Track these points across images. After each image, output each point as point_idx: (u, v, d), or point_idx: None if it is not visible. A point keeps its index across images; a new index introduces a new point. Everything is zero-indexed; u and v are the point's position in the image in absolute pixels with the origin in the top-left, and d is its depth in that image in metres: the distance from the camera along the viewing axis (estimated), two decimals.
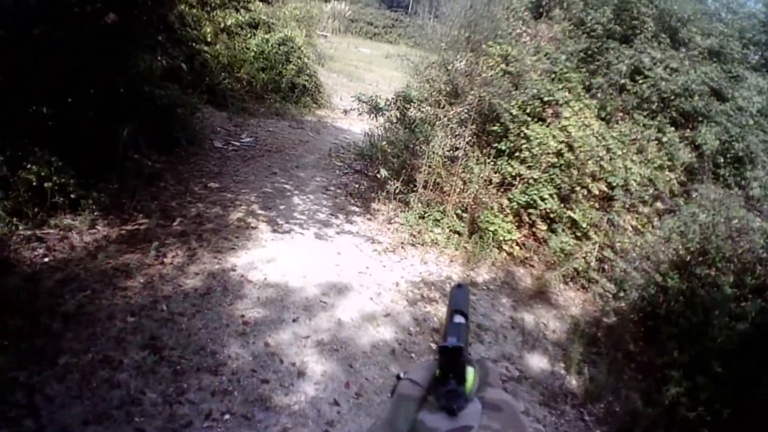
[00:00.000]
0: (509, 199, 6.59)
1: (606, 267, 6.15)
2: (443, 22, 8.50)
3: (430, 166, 6.89)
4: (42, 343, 3.63)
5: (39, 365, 3.45)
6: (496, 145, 6.79)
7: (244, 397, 3.61)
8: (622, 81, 6.62)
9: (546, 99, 6.47)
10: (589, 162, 6.14)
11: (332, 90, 15.24)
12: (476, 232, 6.62)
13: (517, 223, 6.68)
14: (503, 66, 6.73)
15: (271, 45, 12.74)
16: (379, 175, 7.38)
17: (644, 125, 6.49)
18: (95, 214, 5.35)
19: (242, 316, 4.49)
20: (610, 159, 6.16)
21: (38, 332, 3.71)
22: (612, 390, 4.63)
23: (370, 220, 7.18)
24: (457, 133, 6.98)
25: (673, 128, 6.55)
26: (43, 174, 4.93)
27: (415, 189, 7.02)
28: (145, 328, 4.03)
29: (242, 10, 11.79)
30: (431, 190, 6.98)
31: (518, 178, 6.58)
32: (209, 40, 11.31)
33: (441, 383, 0.70)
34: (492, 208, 6.57)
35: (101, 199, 5.47)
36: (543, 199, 6.33)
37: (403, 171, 7.31)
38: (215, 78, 11.11)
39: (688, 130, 6.62)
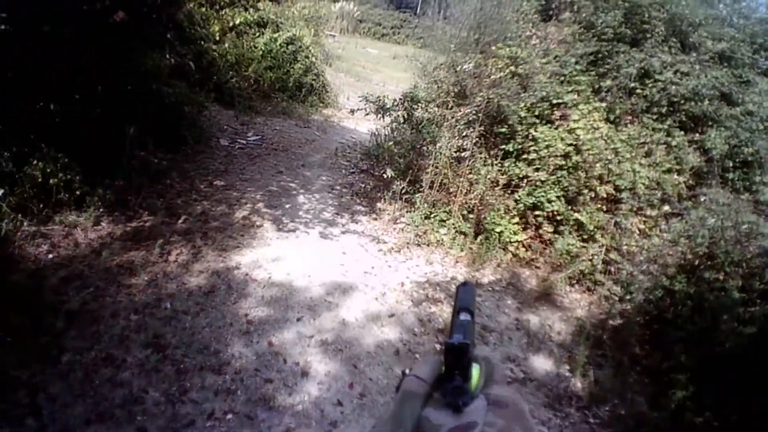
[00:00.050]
0: (516, 201, 6.56)
1: (612, 269, 6.10)
2: (452, 23, 8.47)
3: (436, 167, 6.86)
4: (45, 341, 3.64)
5: (42, 363, 3.45)
6: (503, 146, 6.76)
7: (248, 396, 3.60)
8: (632, 84, 6.57)
9: (554, 101, 6.44)
10: (597, 164, 6.10)
11: (339, 90, 15.23)
12: (482, 233, 6.59)
13: (523, 225, 6.65)
14: (512, 68, 6.69)
15: (279, 44, 12.74)
16: (385, 175, 7.37)
17: (653, 128, 6.44)
18: (100, 211, 5.36)
19: (246, 315, 4.48)
20: (618, 162, 6.12)
21: (41, 330, 3.72)
22: (617, 393, 4.59)
23: (375, 219, 7.16)
24: (464, 134, 6.96)
25: (681, 132, 6.51)
26: (48, 170, 4.95)
27: (421, 189, 6.99)
28: (148, 326, 4.03)
29: (250, 9, 11.80)
30: (437, 191, 6.96)
31: (525, 180, 6.54)
32: (217, 38, 11.34)
33: (446, 380, 0.71)
34: (498, 210, 6.54)
35: (106, 196, 5.48)
36: (550, 201, 6.29)
37: (410, 171, 7.29)
38: (222, 76, 11.12)
39: (697, 134, 6.57)
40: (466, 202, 6.79)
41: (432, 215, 6.88)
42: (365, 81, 18.44)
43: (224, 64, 11.47)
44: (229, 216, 6.22)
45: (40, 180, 4.92)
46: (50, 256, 4.61)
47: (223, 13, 11.64)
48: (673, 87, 6.37)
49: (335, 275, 5.52)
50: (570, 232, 6.29)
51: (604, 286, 5.98)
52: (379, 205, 7.42)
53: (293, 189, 7.64)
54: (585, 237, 6.29)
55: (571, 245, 6.21)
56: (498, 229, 6.43)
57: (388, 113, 7.71)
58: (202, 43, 9.75)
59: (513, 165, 6.63)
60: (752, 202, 6.01)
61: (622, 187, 6.09)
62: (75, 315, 3.96)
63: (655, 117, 6.50)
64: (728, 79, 6.60)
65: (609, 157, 6.11)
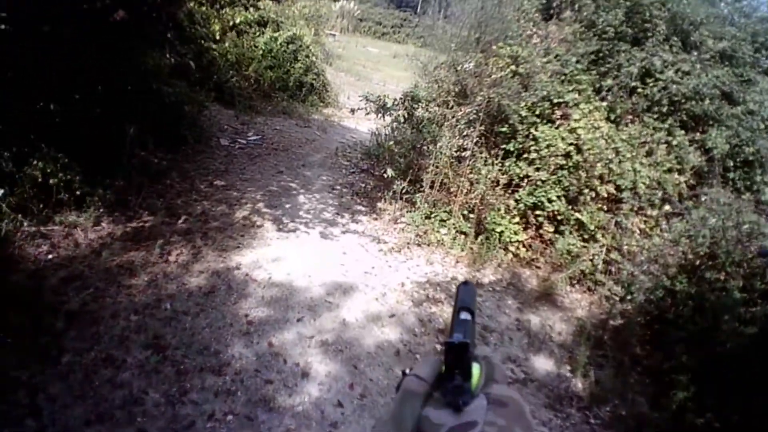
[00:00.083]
0: (516, 201, 6.55)
1: (613, 269, 6.09)
2: (453, 22, 8.46)
3: (437, 167, 6.86)
4: (45, 342, 3.63)
5: (42, 364, 3.45)
6: (504, 146, 6.75)
7: (248, 397, 3.60)
8: (633, 83, 6.55)
9: (555, 101, 6.42)
10: (598, 164, 6.09)
11: (339, 89, 15.23)
12: (482, 233, 6.58)
13: (523, 225, 6.64)
14: (513, 67, 6.68)
15: (279, 43, 12.75)
16: (385, 175, 7.37)
17: (654, 128, 6.43)
18: (100, 211, 5.35)
19: (246, 315, 4.48)
20: (619, 161, 6.10)
21: (41, 330, 3.71)
22: (618, 393, 4.57)
23: (375, 219, 7.16)
24: (464, 133, 6.95)
25: (683, 131, 6.49)
26: (48, 170, 4.94)
27: (421, 189, 6.99)
28: (148, 327, 4.02)
29: (251, 8, 11.79)
30: (438, 191, 6.95)
31: (526, 180, 6.53)
32: (217, 37, 11.33)
33: (446, 379, 0.71)
34: (499, 209, 6.53)
35: (107, 196, 5.48)
36: (550, 201, 6.28)
37: (410, 171, 7.28)
38: (223, 76, 11.12)
39: (698, 134, 6.56)
40: (467, 202, 6.78)
41: (432, 215, 6.87)
42: (365, 80, 18.44)
43: (224, 64, 11.48)
44: (230, 216, 6.21)
45: (40, 180, 4.91)
46: (50, 256, 4.61)
47: (223, 12, 11.63)
48: (675, 86, 6.35)
49: (336, 275, 5.51)
50: (571, 232, 6.28)
51: (604, 286, 5.97)
52: (379, 204, 7.41)
53: (293, 189, 7.64)
54: (586, 237, 6.28)
55: (572, 245, 6.20)
56: (498, 229, 6.42)
57: (388, 113, 7.70)
58: (203, 42, 9.75)
59: (514, 164, 6.62)
60: (753, 201, 6.00)
61: (623, 187, 6.08)
62: (75, 315, 3.96)
63: (656, 116, 6.49)
64: (729, 78, 6.58)
65: (610, 157, 6.10)
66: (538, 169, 6.38)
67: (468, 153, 6.86)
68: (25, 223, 4.76)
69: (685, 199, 6.31)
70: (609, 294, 5.89)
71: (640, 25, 6.83)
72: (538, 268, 6.55)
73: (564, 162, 6.24)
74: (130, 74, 6.29)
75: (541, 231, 6.56)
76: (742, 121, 6.47)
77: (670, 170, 6.33)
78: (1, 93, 4.81)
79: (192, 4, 8.71)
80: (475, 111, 6.79)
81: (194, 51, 9.29)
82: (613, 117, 6.59)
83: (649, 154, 6.35)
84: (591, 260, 6.17)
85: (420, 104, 7.61)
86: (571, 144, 6.21)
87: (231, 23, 12.05)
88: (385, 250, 6.34)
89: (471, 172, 6.77)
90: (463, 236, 6.66)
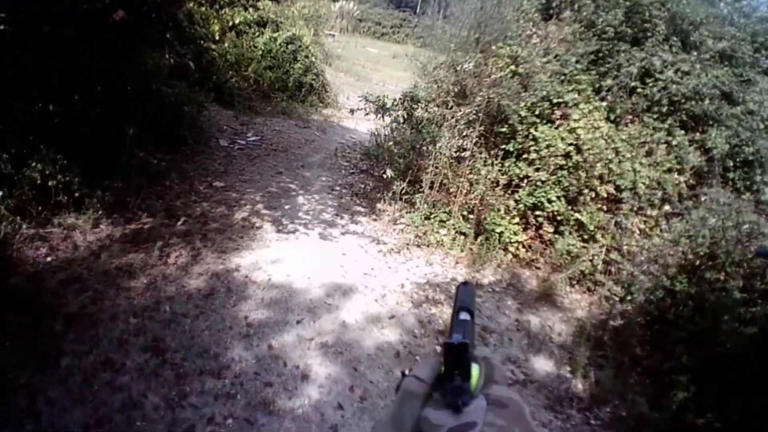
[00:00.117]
0: (516, 201, 6.54)
1: (612, 270, 6.08)
2: (452, 22, 8.45)
3: (436, 167, 6.85)
4: (44, 345, 3.62)
5: (41, 367, 3.44)
6: (503, 146, 6.74)
7: (247, 400, 3.59)
8: (633, 83, 6.54)
9: (555, 101, 6.41)
10: (598, 164, 6.08)
11: (339, 89, 15.22)
12: (482, 233, 6.57)
13: (523, 225, 6.63)
14: (512, 67, 6.67)
15: (279, 44, 12.74)
16: (384, 176, 7.36)
17: (654, 128, 6.42)
18: (99, 212, 5.35)
19: (246, 317, 4.47)
20: (619, 161, 6.10)
21: (40, 333, 3.70)
22: (618, 394, 4.57)
23: (375, 220, 7.15)
24: (464, 133, 6.94)
25: (682, 131, 6.48)
26: (47, 172, 4.94)
27: (421, 190, 6.98)
28: (147, 329, 4.02)
29: (250, 9, 11.78)
30: (437, 191, 6.94)
31: (525, 180, 6.52)
32: (217, 38, 11.32)
33: (446, 380, 0.71)
34: (498, 210, 6.52)
35: (105, 198, 5.47)
36: (550, 201, 6.27)
37: (409, 171, 7.27)
38: (222, 76, 11.11)
39: (697, 134, 6.55)
40: (467, 203, 6.77)
41: (432, 216, 6.86)
42: (365, 80, 18.43)
43: (224, 64, 11.47)
44: (229, 217, 6.21)
45: (38, 182, 4.91)
46: (49, 258, 4.60)
47: (222, 12, 11.61)
48: (674, 86, 6.34)
49: (335, 277, 5.51)
50: (570, 233, 6.28)
51: (604, 287, 5.97)
52: (378, 205, 7.40)
53: (293, 190, 7.63)
54: (585, 237, 6.27)
55: (572, 245, 6.19)
56: (498, 230, 6.41)
57: (387, 113, 7.69)
58: (202, 42, 9.74)
59: (513, 165, 6.61)
60: (753, 201, 5.99)
61: (623, 187, 6.07)
62: (74, 318, 3.95)
63: (655, 116, 6.48)
64: (729, 78, 6.57)
65: (610, 157, 6.09)
66: (537, 170, 6.38)
67: (467, 153, 6.86)
68: (24, 226, 4.75)
69: (685, 199, 6.30)
70: (609, 294, 5.88)
71: (640, 25, 6.82)
72: (538, 268, 6.54)
73: (564, 162, 6.23)
74: (130, 74, 6.29)
75: (540, 231, 6.55)
76: (742, 121, 6.46)
77: (669, 170, 6.32)
78: (0, 93, 4.80)
79: (191, 5, 8.70)
80: (474, 111, 6.78)
81: (194, 51, 9.28)
82: (612, 117, 6.58)
83: (648, 154, 6.34)
84: (591, 260, 6.16)
85: (419, 104, 7.60)
86: (570, 144, 6.20)
87: (230, 23, 12.03)
88: (384, 251, 6.33)
89: (470, 173, 6.76)
90: (462, 237, 6.65)
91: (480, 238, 6.53)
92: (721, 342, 4.37)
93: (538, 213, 6.41)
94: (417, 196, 6.92)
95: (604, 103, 6.59)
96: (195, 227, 5.75)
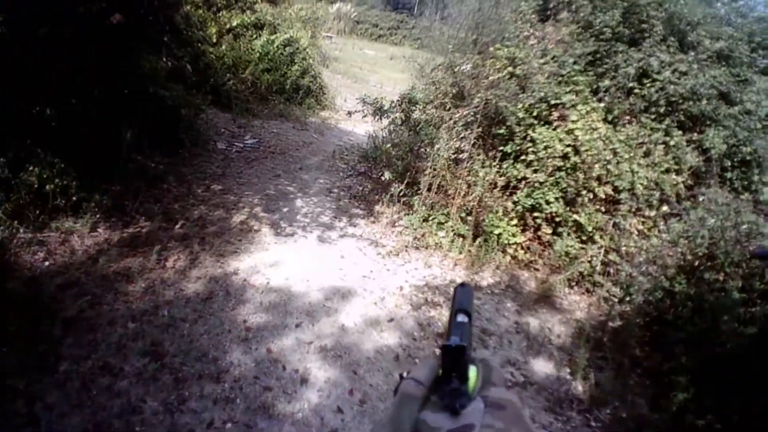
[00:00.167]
0: (514, 203, 6.54)
1: (611, 271, 6.08)
2: (450, 24, 8.45)
3: (434, 169, 6.84)
4: (42, 349, 3.61)
5: (39, 372, 3.42)
6: (501, 148, 6.74)
7: (247, 404, 3.58)
8: (630, 84, 6.53)
9: (553, 102, 6.41)
10: (596, 165, 6.08)
11: (336, 91, 15.24)
12: (480, 235, 6.57)
13: (521, 227, 6.63)
14: (510, 69, 6.67)
15: (276, 46, 12.74)
16: (382, 178, 7.35)
17: (651, 128, 6.41)
18: (97, 216, 5.33)
19: (245, 321, 4.46)
20: (617, 162, 6.09)
21: (38, 338, 3.69)
22: (618, 395, 4.56)
23: (373, 223, 7.15)
24: (462, 135, 6.93)
25: (680, 131, 6.47)
26: (45, 176, 4.92)
27: (419, 192, 6.98)
28: (146, 334, 4.00)
29: (248, 11, 11.79)
30: (435, 193, 6.94)
31: (523, 182, 6.52)
32: (214, 40, 11.33)
33: (444, 382, 0.71)
34: (497, 212, 6.52)
35: (103, 202, 5.45)
36: (548, 203, 6.27)
37: (407, 173, 7.27)
38: (220, 79, 11.11)
39: (695, 134, 6.54)
40: (465, 204, 6.76)
41: (430, 218, 6.86)
42: (362, 82, 18.45)
43: (221, 67, 11.47)
44: (227, 221, 6.20)
45: (36, 186, 4.89)
46: (46, 263, 4.58)
47: (220, 15, 11.65)
48: (672, 86, 6.34)
49: (334, 280, 5.50)
50: (569, 234, 6.27)
51: (603, 288, 5.96)
52: (377, 208, 7.39)
53: (291, 192, 7.62)
54: (584, 238, 6.27)
55: (570, 247, 6.19)
56: (497, 231, 6.41)
57: (385, 115, 7.69)
58: (199, 45, 9.75)
59: (511, 166, 6.61)
60: (752, 201, 5.99)
61: (621, 188, 6.07)
62: (72, 323, 3.93)
63: (653, 117, 6.47)
64: (726, 78, 6.57)
65: (607, 158, 6.09)
66: (535, 171, 6.38)
67: (465, 155, 6.85)
68: (21, 230, 4.73)
69: (683, 199, 6.29)
70: (608, 295, 5.88)
71: (637, 26, 6.82)
72: (537, 270, 6.54)
73: (562, 163, 6.23)
74: (127, 78, 6.27)
75: (539, 233, 6.55)
76: (740, 120, 6.45)
77: (667, 171, 6.32)
78: None
79: (189, 8, 8.72)
80: (472, 113, 6.78)
81: (191, 54, 9.28)
82: (610, 118, 6.57)
83: (646, 154, 6.33)
84: (589, 262, 6.16)
85: (417, 106, 7.60)
86: (568, 145, 6.20)
87: (228, 26, 12.06)
88: (383, 253, 6.32)
89: (468, 175, 6.76)
90: (461, 239, 6.65)
91: (478, 239, 6.53)
92: (721, 342, 4.37)
93: (536, 214, 6.41)
94: (415, 198, 6.92)
95: (602, 104, 6.58)
96: (193, 231, 5.74)
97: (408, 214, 6.97)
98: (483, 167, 6.65)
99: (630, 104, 6.57)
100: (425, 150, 7.13)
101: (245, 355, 4.06)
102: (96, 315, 4.08)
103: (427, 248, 6.59)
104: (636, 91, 6.52)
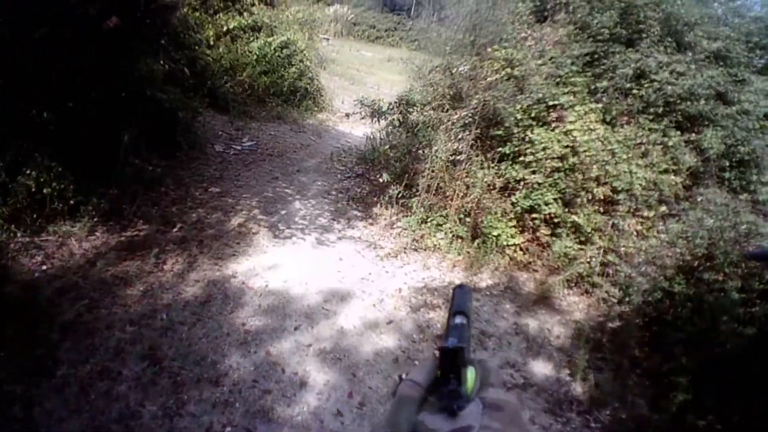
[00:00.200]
0: (512, 204, 6.53)
1: (610, 271, 6.08)
2: (447, 25, 8.44)
3: (432, 170, 6.84)
4: (40, 354, 3.59)
5: (37, 377, 3.41)
6: (499, 149, 6.73)
7: (246, 408, 3.56)
8: (628, 85, 6.54)
9: (550, 103, 6.41)
10: (594, 166, 6.07)
11: (334, 93, 15.22)
12: (479, 236, 6.56)
13: (520, 228, 6.62)
14: (508, 70, 6.66)
15: (273, 48, 12.71)
16: (380, 180, 7.33)
17: (649, 129, 6.41)
18: (94, 220, 5.32)
19: (243, 324, 4.45)
20: (615, 163, 6.09)
21: (36, 343, 3.68)
22: (618, 396, 4.56)
23: (371, 225, 7.14)
24: (460, 137, 6.93)
25: (678, 132, 6.47)
26: (42, 180, 4.91)
27: (417, 193, 6.97)
28: (144, 338, 3.99)
29: (245, 14, 11.78)
30: (433, 195, 6.93)
31: (522, 183, 6.51)
32: (211, 43, 11.30)
33: (442, 384, 0.72)
34: (495, 213, 6.51)
35: (101, 205, 5.44)
36: (547, 204, 6.26)
37: (405, 175, 7.25)
38: (217, 81, 11.09)
39: (693, 134, 6.54)
40: (463, 206, 6.75)
41: (428, 219, 6.85)
42: (360, 84, 18.43)
43: (218, 69, 11.44)
44: (225, 223, 6.18)
45: (33, 189, 4.88)
46: (44, 267, 4.57)
47: (217, 17, 11.63)
48: (669, 87, 6.35)
49: (332, 282, 5.49)
50: (567, 235, 6.27)
51: (602, 289, 5.95)
52: (375, 210, 7.38)
53: (289, 195, 7.61)
54: (582, 239, 6.26)
55: (569, 248, 6.18)
56: (495, 233, 6.40)
57: (383, 117, 7.68)
58: (196, 48, 9.73)
59: (509, 168, 6.61)
60: (750, 202, 5.99)
61: (619, 189, 6.07)
62: (70, 327, 3.92)
63: (651, 117, 6.48)
64: (724, 78, 6.57)
65: (605, 159, 6.09)
66: (533, 172, 6.37)
67: (463, 156, 6.85)
68: (19, 234, 4.73)
69: (681, 199, 6.29)
70: (606, 296, 5.87)
71: (635, 27, 6.83)
72: (535, 271, 6.53)
73: (560, 164, 6.23)
74: (124, 81, 6.25)
75: (537, 234, 6.54)
76: (737, 120, 6.45)
77: (665, 171, 6.32)
78: None
79: (186, 10, 8.70)
80: (470, 114, 6.77)
81: (188, 57, 9.25)
82: (608, 119, 6.57)
83: (644, 155, 6.33)
84: (588, 262, 6.15)
85: (415, 108, 7.59)
86: (566, 146, 6.20)
87: (225, 28, 12.03)
88: (381, 255, 6.31)
89: (466, 176, 6.76)
90: (459, 240, 6.64)
91: (477, 241, 6.52)
92: (721, 343, 4.37)
93: (534, 215, 6.40)
94: (413, 199, 6.91)
95: (600, 105, 6.58)
96: (191, 234, 5.73)
97: (406, 216, 6.95)
98: (481, 168, 6.64)
99: (628, 105, 6.57)
100: (423, 152, 7.12)
101: (244, 358, 4.05)
102: (94, 319, 4.07)
103: (425, 250, 6.58)
104: (633, 91, 6.53)
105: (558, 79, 6.63)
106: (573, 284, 6.30)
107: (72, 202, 5.19)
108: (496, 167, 6.67)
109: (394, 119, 7.67)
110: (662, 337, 4.95)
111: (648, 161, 6.27)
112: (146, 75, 7.04)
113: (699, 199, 5.99)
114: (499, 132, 6.68)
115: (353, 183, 8.71)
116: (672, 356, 4.63)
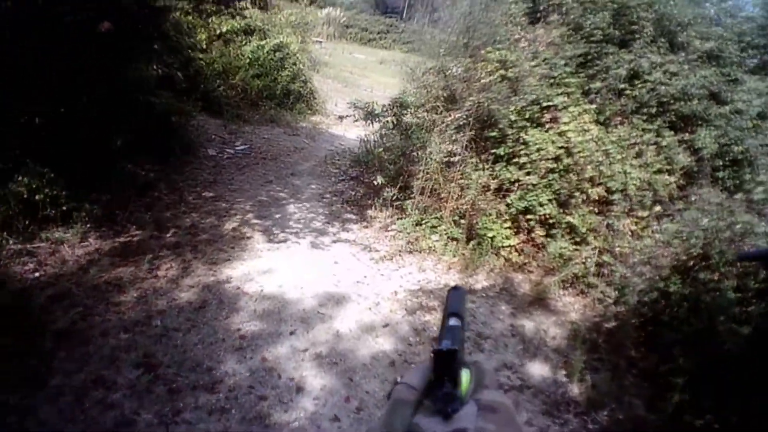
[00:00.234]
0: (507, 205, 6.53)
1: (605, 272, 6.08)
2: (441, 27, 8.45)
3: (426, 173, 6.83)
4: (33, 363, 3.56)
5: (31, 386, 3.37)
6: (494, 150, 6.73)
7: (242, 415, 3.53)
8: (621, 85, 6.55)
9: (544, 104, 6.41)
10: (588, 167, 6.08)
11: (327, 96, 15.22)
12: (474, 238, 6.55)
13: (515, 229, 6.61)
14: (501, 71, 6.66)
15: (266, 51, 12.71)
16: (375, 182, 7.33)
17: (643, 129, 6.43)
18: (87, 226, 5.29)
19: (238, 330, 4.42)
20: (609, 163, 6.10)
21: (29, 351, 3.64)
22: (615, 397, 4.56)
23: (366, 227, 7.12)
24: (454, 138, 6.92)
25: (671, 132, 6.49)
26: (34, 186, 4.88)
27: (411, 196, 6.96)
28: (139, 345, 3.95)
29: (237, 17, 11.76)
30: (428, 197, 6.92)
31: (516, 184, 6.51)
32: (204, 46, 11.28)
33: (436, 386, 0.72)
34: (490, 214, 6.50)
35: (93, 211, 5.41)
36: (541, 205, 6.26)
37: (400, 177, 7.25)
38: (210, 85, 11.07)
39: (686, 134, 6.55)
40: (458, 208, 6.75)
41: (423, 222, 6.84)
42: (353, 87, 18.43)
43: (211, 73, 11.43)
44: (219, 228, 6.16)
45: (25, 196, 4.85)
46: (37, 274, 4.54)
47: (209, 21, 11.59)
48: (663, 87, 6.36)
49: (328, 286, 5.47)
50: (562, 235, 6.27)
51: (597, 289, 5.95)
52: (369, 212, 7.37)
53: (283, 198, 7.59)
54: (577, 240, 6.26)
55: (564, 248, 6.18)
56: (490, 234, 6.39)
57: (377, 119, 7.68)
58: (189, 51, 9.70)
59: (504, 169, 6.60)
60: (745, 201, 6.00)
61: (614, 189, 6.07)
62: (63, 335, 3.89)
63: (644, 117, 6.49)
64: (717, 78, 6.59)
65: (600, 159, 6.09)
66: (528, 173, 6.37)
67: (458, 158, 6.84)
68: (11, 241, 4.69)
69: (676, 199, 6.30)
70: (602, 297, 5.88)
71: (627, 27, 6.84)
72: (531, 272, 6.52)
73: (554, 165, 6.23)
74: (117, 85, 6.22)
75: (532, 235, 6.54)
76: (731, 120, 6.47)
77: (659, 171, 6.33)
78: None
79: (178, 14, 8.66)
80: (464, 116, 6.77)
81: (181, 61, 9.23)
82: (602, 119, 6.58)
83: (638, 155, 6.34)
84: (583, 263, 6.16)
85: (408, 110, 7.58)
86: (561, 147, 6.20)
87: (217, 32, 12.03)
88: (376, 258, 6.30)
89: (461, 178, 6.75)
90: (454, 242, 6.63)
91: (472, 243, 6.51)
92: (718, 343, 4.36)
93: (529, 217, 6.40)
94: (408, 202, 6.90)
95: (593, 106, 6.59)
96: (185, 239, 5.70)
97: (401, 218, 6.94)
98: (476, 170, 6.64)
99: (621, 105, 6.58)
100: (417, 154, 7.11)
101: (240, 364, 4.02)
102: (88, 326, 4.03)
103: (420, 252, 6.57)
104: (627, 92, 6.54)
105: (552, 81, 6.64)
106: (568, 285, 6.30)
107: (64, 208, 5.16)
108: (491, 169, 6.67)
109: (388, 121, 7.66)
110: (658, 337, 4.95)
111: (642, 161, 6.28)
112: (139, 79, 7.02)
113: (693, 199, 6.00)
114: (494, 133, 6.68)
115: (347, 186, 8.69)
116: (669, 356, 4.63)
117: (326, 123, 13.30)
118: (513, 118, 6.48)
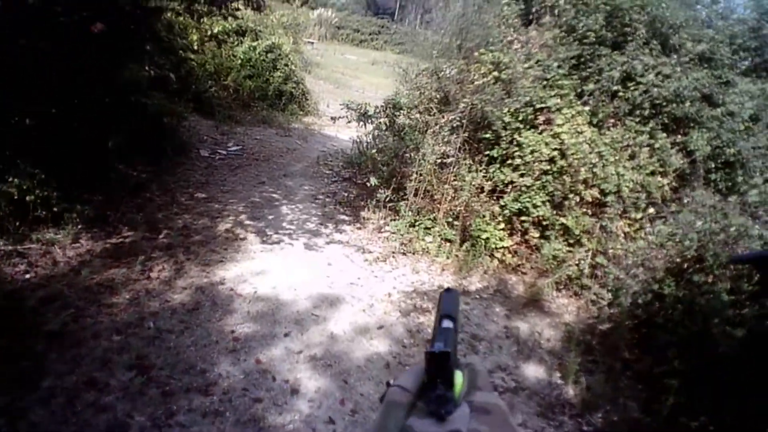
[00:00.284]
0: (501, 207, 6.54)
1: (599, 274, 6.09)
2: (434, 29, 8.46)
3: (420, 174, 6.82)
4: (25, 365, 3.51)
5: (22, 389, 3.33)
6: (487, 152, 6.74)
7: (237, 417, 3.50)
8: (614, 87, 6.57)
9: (538, 106, 6.43)
10: (582, 169, 6.09)
11: (319, 97, 15.21)
12: (468, 240, 6.56)
13: (509, 231, 6.62)
14: (495, 73, 6.67)
15: (258, 52, 12.70)
16: (368, 183, 7.31)
17: (636, 131, 6.45)
18: (79, 227, 5.24)
19: (232, 331, 4.38)
20: (603, 165, 6.12)
21: (21, 353, 3.59)
22: (610, 399, 4.56)
23: (360, 229, 7.10)
24: (447, 140, 6.92)
25: (664, 134, 6.51)
26: (25, 187, 4.82)
27: (405, 197, 6.94)
28: (131, 347, 3.91)
29: (230, 18, 11.71)
30: (422, 198, 6.91)
31: (510, 186, 6.52)
32: (196, 47, 11.24)
33: (429, 389, 0.71)
34: (484, 216, 6.51)
35: (85, 212, 5.36)
36: (535, 206, 6.27)
37: (393, 179, 7.24)
38: (202, 86, 11.04)
39: (679, 136, 6.59)
40: (451, 209, 6.74)
41: (417, 223, 6.83)
42: (345, 88, 18.43)
43: (203, 74, 11.41)
44: (212, 229, 6.12)
45: (16, 197, 4.79)
46: (28, 276, 4.48)
47: (202, 22, 11.54)
48: (655, 89, 6.39)
49: (321, 287, 5.44)
50: (556, 237, 6.28)
51: (591, 291, 5.96)
52: (363, 213, 7.36)
53: (276, 199, 7.56)
54: (571, 241, 6.28)
55: (558, 250, 6.20)
56: (484, 236, 6.39)
57: (370, 120, 7.66)
58: (182, 52, 9.66)
59: (498, 171, 6.61)
60: (739, 203, 6.03)
61: (607, 191, 6.09)
62: (55, 337, 3.84)
63: (637, 120, 6.52)
64: (709, 81, 6.62)
65: (593, 161, 6.11)
66: (522, 175, 6.38)
67: (451, 160, 6.84)
68: (1, 242, 4.64)
69: (669, 201, 6.33)
70: (596, 298, 5.89)
71: (620, 30, 6.86)
72: (525, 273, 6.53)
73: (548, 167, 6.24)
74: (109, 86, 6.18)
75: (526, 237, 6.55)
76: (723, 122, 6.51)
77: (653, 173, 6.35)
78: None
79: (170, 15, 8.62)
80: (458, 118, 6.77)
81: (173, 62, 9.18)
82: (595, 121, 6.60)
83: (631, 157, 6.37)
84: (577, 265, 6.17)
85: (402, 111, 7.58)
86: (554, 149, 6.21)
87: (210, 33, 11.99)
88: (370, 259, 6.28)
89: (455, 179, 6.75)
90: (448, 244, 6.62)
91: (466, 244, 6.51)
92: (712, 344, 4.37)
93: (523, 218, 6.41)
94: (401, 203, 6.89)
95: (587, 108, 6.61)
96: (177, 240, 5.66)
97: (394, 220, 6.93)
98: (469, 172, 6.63)
99: (614, 107, 6.61)
100: (411, 155, 7.10)
101: (234, 366, 3.98)
102: (80, 328, 3.99)
103: (414, 254, 6.56)
104: (620, 94, 6.57)
105: (545, 82, 6.65)
106: (562, 287, 6.31)
107: (56, 209, 5.10)
108: (485, 170, 6.67)
109: (381, 123, 7.65)
110: (653, 339, 4.96)
111: (636, 163, 6.30)
112: (131, 80, 6.97)
113: (686, 201, 6.02)
114: (488, 135, 6.68)
115: (341, 187, 8.68)
116: (663, 358, 4.64)
117: (318, 124, 13.29)
118: (507, 119, 6.48)
